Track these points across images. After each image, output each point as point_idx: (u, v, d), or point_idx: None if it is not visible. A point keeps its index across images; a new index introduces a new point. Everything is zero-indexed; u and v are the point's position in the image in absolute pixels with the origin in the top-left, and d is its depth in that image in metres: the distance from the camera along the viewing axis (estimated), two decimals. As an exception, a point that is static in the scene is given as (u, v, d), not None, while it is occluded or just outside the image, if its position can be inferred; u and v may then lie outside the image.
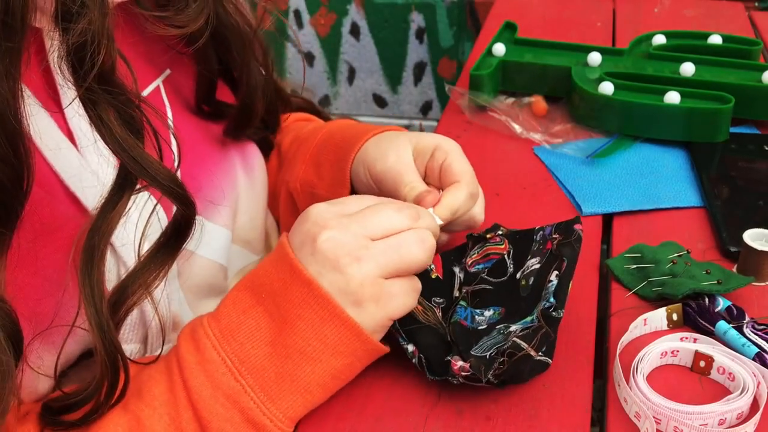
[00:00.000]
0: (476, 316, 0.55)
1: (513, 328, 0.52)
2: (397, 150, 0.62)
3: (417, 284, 0.51)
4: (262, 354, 0.48)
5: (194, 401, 0.47)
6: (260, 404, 0.47)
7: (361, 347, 0.49)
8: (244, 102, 0.64)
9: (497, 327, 0.53)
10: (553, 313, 0.51)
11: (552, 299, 0.52)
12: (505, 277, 0.58)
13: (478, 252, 0.61)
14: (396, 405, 0.52)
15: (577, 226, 0.56)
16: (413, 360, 0.52)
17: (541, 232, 0.59)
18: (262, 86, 0.64)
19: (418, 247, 0.50)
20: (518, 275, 0.57)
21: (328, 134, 0.70)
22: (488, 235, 0.62)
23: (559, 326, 0.51)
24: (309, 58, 1.85)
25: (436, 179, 0.61)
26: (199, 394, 0.47)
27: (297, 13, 1.82)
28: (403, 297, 0.50)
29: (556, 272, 0.53)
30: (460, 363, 0.49)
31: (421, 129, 1.92)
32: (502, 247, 0.60)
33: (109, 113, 0.44)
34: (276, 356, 0.48)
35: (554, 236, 0.57)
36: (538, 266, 0.56)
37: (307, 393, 0.49)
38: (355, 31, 1.81)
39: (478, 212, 0.63)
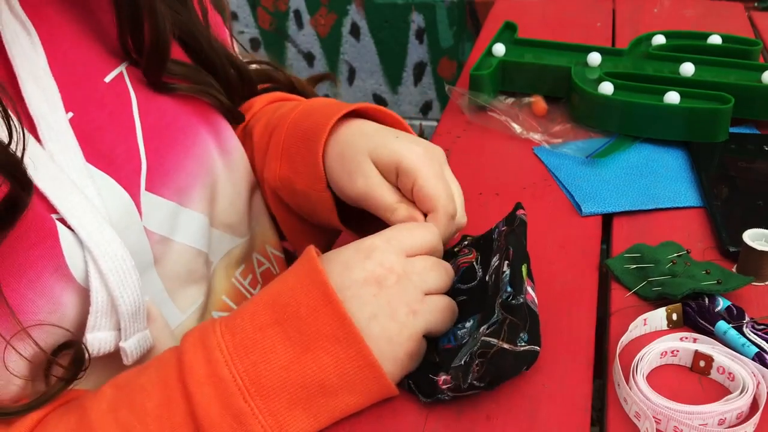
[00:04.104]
0: (458, 332, 0.54)
1: (482, 329, 0.51)
2: (363, 172, 0.60)
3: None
4: (275, 378, 0.47)
5: (199, 417, 0.46)
6: (268, 429, 0.47)
7: (378, 390, 0.50)
8: (150, 44, 0.60)
9: (473, 334, 0.53)
10: (512, 302, 0.50)
11: (509, 288, 0.51)
12: (475, 282, 0.58)
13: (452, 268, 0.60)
14: (396, 405, 0.52)
15: (519, 212, 0.56)
16: (404, 386, 0.52)
17: (497, 230, 0.59)
18: (172, 28, 0.61)
19: (451, 318, 0.54)
20: (487, 277, 0.57)
21: (293, 124, 0.67)
22: (456, 249, 0.62)
23: (523, 311, 0.50)
24: (309, 58, 1.85)
25: (409, 197, 0.60)
26: (207, 411, 0.46)
27: (297, 13, 1.82)
28: (423, 352, 0.53)
29: (506, 262, 0.53)
30: (443, 377, 0.50)
31: (421, 129, 1.93)
32: (471, 256, 0.60)
33: None
34: (290, 383, 0.47)
35: (502, 229, 0.57)
36: (497, 263, 0.56)
37: (316, 422, 0.49)
38: (355, 31, 1.81)
39: (460, 216, 0.62)
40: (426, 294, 0.52)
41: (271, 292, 0.50)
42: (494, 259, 0.57)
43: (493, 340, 0.49)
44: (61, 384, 0.49)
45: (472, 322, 0.55)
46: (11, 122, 0.45)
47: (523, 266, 0.53)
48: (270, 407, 0.47)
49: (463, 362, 0.49)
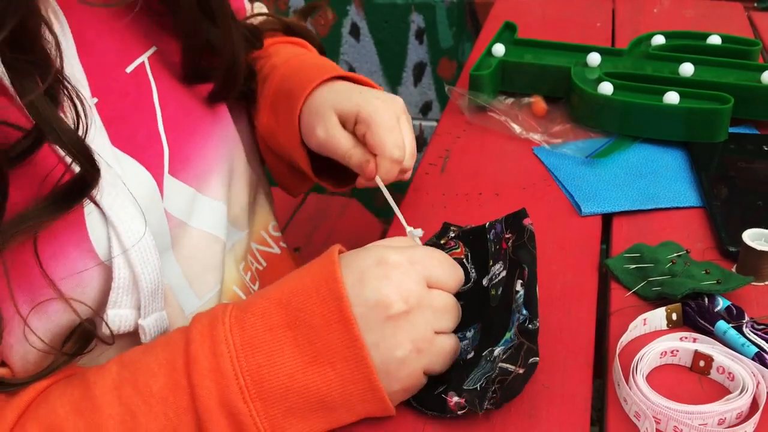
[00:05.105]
0: (461, 342, 0.54)
1: (496, 352, 0.51)
2: (324, 122, 0.66)
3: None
4: (278, 383, 0.47)
5: (198, 409, 0.46)
6: (263, 431, 0.47)
7: (378, 411, 0.50)
8: (226, 67, 0.63)
9: (483, 354, 0.52)
10: (529, 326, 0.50)
11: (524, 311, 0.51)
12: (470, 284, 0.57)
13: None
14: (396, 405, 0.52)
15: (526, 221, 0.54)
16: (406, 402, 0.52)
17: (492, 231, 0.58)
18: (243, 50, 0.65)
19: (453, 359, 0.52)
20: (485, 282, 0.56)
21: (282, 79, 0.72)
22: (442, 241, 0.62)
23: (537, 335, 0.50)
24: (309, 58, 1.85)
25: (363, 143, 0.66)
26: (206, 405, 0.46)
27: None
28: (421, 387, 0.52)
29: (520, 281, 0.52)
30: (455, 399, 0.49)
31: (421, 129, 1.93)
32: (459, 251, 0.59)
33: (30, 79, 0.45)
34: (292, 391, 0.47)
35: (507, 236, 0.56)
36: (504, 273, 0.55)
37: (310, 430, 0.49)
38: (354, 31, 1.81)
39: (407, 161, 0.67)
40: (437, 332, 0.50)
41: (286, 291, 0.49)
42: (497, 266, 0.56)
43: (511, 367, 0.48)
44: (65, 358, 0.50)
45: (472, 332, 0.55)
46: (79, 111, 0.47)
47: (536, 287, 0.52)
48: (268, 411, 0.47)
49: (479, 387, 0.49)
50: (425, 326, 0.49)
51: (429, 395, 0.51)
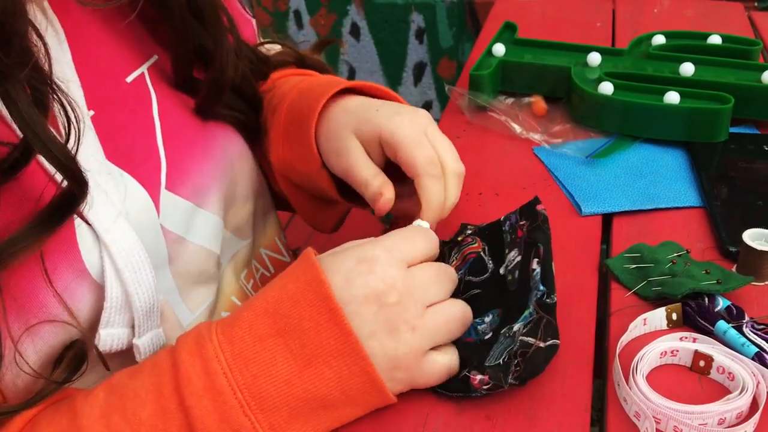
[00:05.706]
0: (478, 326, 0.55)
1: (516, 327, 0.52)
2: (346, 147, 0.63)
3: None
4: (276, 392, 0.46)
5: (197, 430, 0.45)
6: None
7: (380, 402, 0.50)
8: (213, 76, 0.62)
9: (502, 332, 0.53)
10: (547, 300, 0.51)
11: (541, 287, 0.52)
12: (487, 274, 0.58)
13: (456, 258, 0.61)
14: (396, 404, 0.52)
15: (539, 207, 0.56)
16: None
17: (507, 222, 0.59)
18: (234, 61, 0.63)
19: (462, 323, 0.52)
20: (502, 270, 0.57)
21: (291, 106, 0.69)
22: (459, 238, 0.62)
23: (556, 309, 0.51)
24: (309, 58, 1.86)
25: (396, 163, 0.62)
26: (205, 424, 0.45)
27: (297, 14, 1.82)
28: (432, 371, 0.51)
29: (536, 260, 0.54)
30: (479, 377, 0.50)
31: (421, 129, 1.93)
32: (476, 245, 0.60)
33: (17, 85, 0.43)
34: (292, 397, 0.47)
35: (521, 223, 0.57)
36: (519, 258, 0.56)
37: (314, 431, 0.49)
38: (355, 31, 1.81)
39: (452, 165, 0.62)
40: (430, 306, 0.51)
41: (271, 300, 0.49)
42: (512, 253, 0.57)
43: (531, 340, 0.49)
44: (54, 385, 0.49)
45: (491, 316, 0.55)
46: (71, 119, 0.46)
47: (551, 264, 0.53)
48: (270, 421, 0.46)
49: (501, 362, 0.50)
50: (415, 305, 0.50)
51: (452, 378, 0.52)
